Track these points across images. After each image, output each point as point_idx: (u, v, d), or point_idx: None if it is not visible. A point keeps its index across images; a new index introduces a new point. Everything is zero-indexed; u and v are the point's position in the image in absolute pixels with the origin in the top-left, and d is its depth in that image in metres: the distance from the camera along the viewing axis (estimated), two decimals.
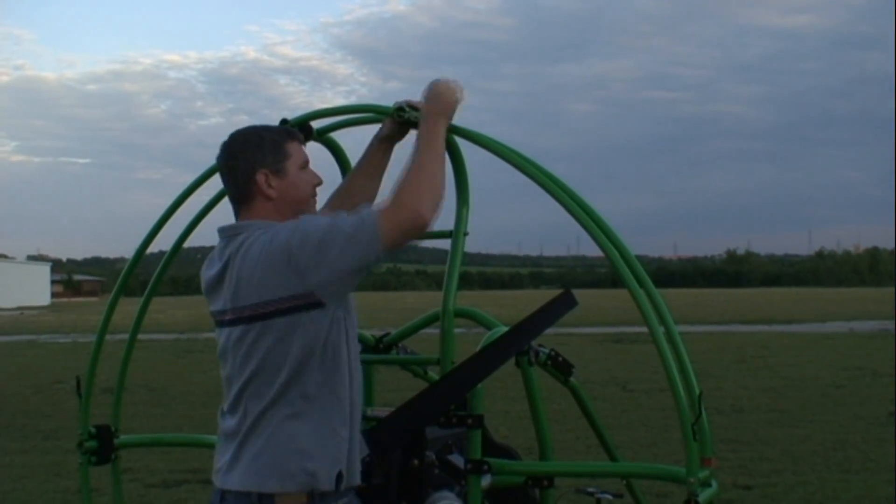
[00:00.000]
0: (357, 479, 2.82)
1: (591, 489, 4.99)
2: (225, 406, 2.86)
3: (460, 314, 3.46)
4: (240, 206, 2.91)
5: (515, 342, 3.12)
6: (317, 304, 2.66)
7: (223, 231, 2.88)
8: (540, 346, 3.72)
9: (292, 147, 2.92)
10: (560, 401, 4.32)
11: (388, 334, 3.90)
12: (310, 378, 2.70)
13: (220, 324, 2.85)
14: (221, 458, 2.82)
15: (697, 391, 3.09)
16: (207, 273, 2.90)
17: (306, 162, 2.95)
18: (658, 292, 3.25)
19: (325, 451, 2.70)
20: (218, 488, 2.80)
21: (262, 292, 2.67)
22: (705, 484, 3.03)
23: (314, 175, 2.97)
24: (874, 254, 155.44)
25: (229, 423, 2.82)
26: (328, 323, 2.70)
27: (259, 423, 2.73)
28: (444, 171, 2.87)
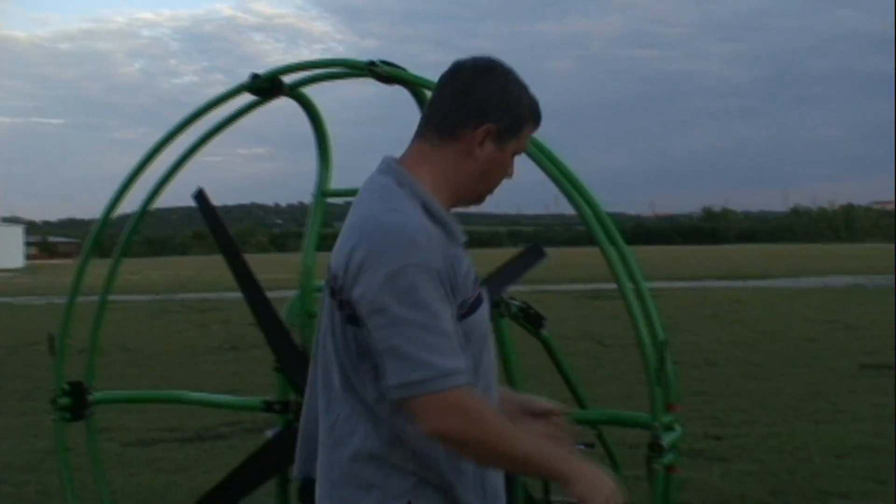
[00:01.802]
0: None
1: None
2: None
3: None
4: (424, 135, 2.33)
5: (486, 294, 3.14)
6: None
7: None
8: (511, 298, 3.76)
9: (527, 131, 2.38)
10: (535, 356, 4.36)
11: None
12: None
13: None
14: None
15: (661, 340, 3.15)
16: None
17: (518, 153, 2.41)
18: (629, 249, 3.30)
19: None
20: None
21: None
22: (669, 428, 3.09)
23: (510, 170, 2.41)
24: (849, 210, 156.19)
25: None
26: None
27: None
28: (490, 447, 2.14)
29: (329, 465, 2.27)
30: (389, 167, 2.29)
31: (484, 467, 2.24)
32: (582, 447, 4.93)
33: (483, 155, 2.28)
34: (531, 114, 2.36)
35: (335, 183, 3.78)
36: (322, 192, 3.57)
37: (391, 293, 2.06)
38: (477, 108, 2.26)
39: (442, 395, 2.06)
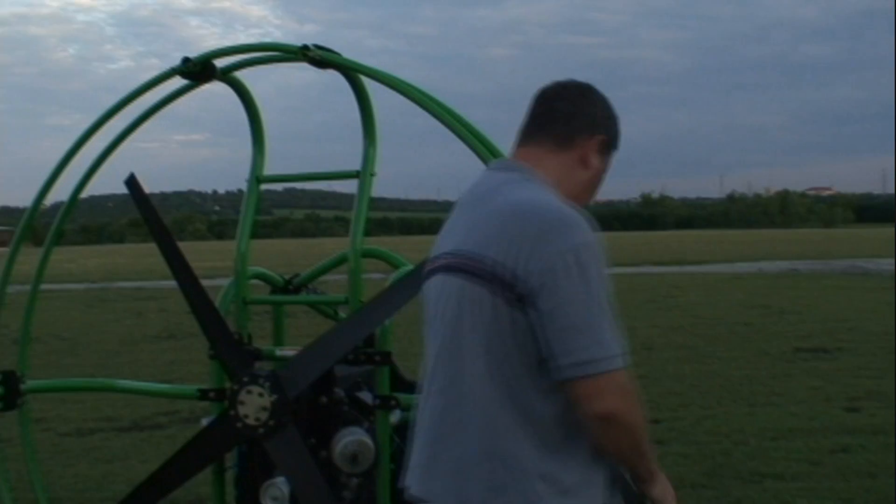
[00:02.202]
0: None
1: None
2: None
3: (368, 254, 3.48)
4: (538, 141, 2.38)
5: (421, 279, 3.14)
6: None
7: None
8: None
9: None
10: None
11: (297, 276, 3.90)
12: None
13: None
14: None
15: None
16: None
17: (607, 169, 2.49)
18: None
19: None
20: None
21: None
22: None
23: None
24: (784, 196, 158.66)
25: None
26: None
27: None
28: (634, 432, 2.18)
29: (450, 456, 2.19)
30: (512, 166, 2.35)
31: (615, 457, 2.23)
32: None
33: (594, 164, 2.38)
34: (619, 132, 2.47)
35: (272, 169, 3.76)
36: (257, 177, 3.54)
37: (571, 269, 2.06)
38: (591, 120, 2.37)
39: (614, 375, 2.06)
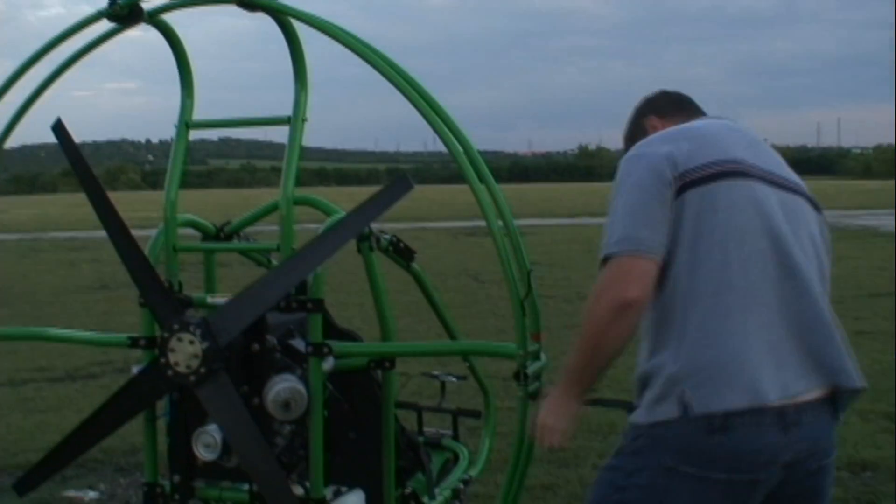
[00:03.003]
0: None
1: (435, 373, 5.13)
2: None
3: (300, 202, 3.46)
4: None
5: (353, 226, 3.14)
6: None
7: None
8: (382, 232, 3.76)
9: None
10: (413, 292, 4.39)
11: (228, 223, 3.86)
12: None
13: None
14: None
15: (528, 269, 3.22)
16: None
17: None
18: (498, 187, 3.34)
19: None
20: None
21: None
22: (535, 357, 3.16)
23: None
24: None
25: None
26: None
27: None
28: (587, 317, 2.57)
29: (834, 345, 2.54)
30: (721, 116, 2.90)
31: None
32: (453, 379, 5.03)
33: None
34: None
35: (202, 116, 3.69)
36: (186, 123, 3.48)
37: None
38: None
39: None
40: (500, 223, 3.30)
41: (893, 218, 27.14)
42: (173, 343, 3.05)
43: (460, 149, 3.32)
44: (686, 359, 2.41)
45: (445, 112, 3.37)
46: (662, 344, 2.49)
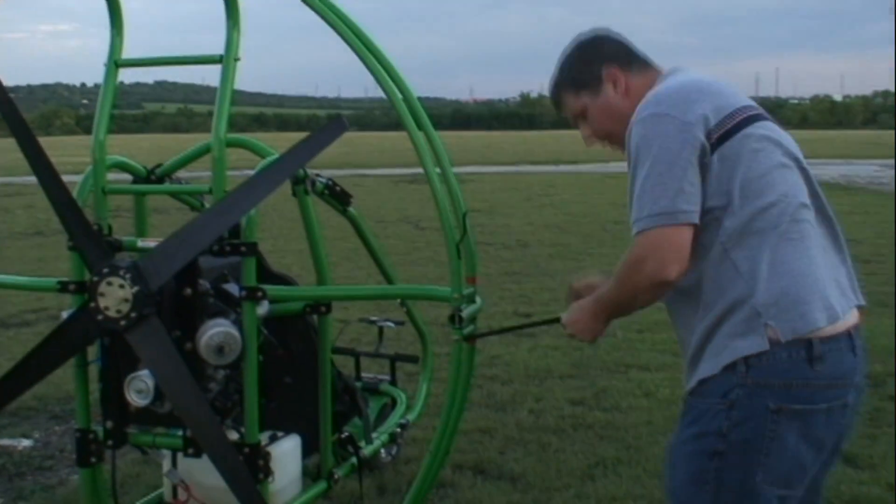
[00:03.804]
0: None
1: (373, 318, 5.13)
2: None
3: (232, 143, 3.39)
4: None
5: (287, 167, 3.09)
6: None
7: None
8: (318, 175, 3.72)
9: None
10: (354, 239, 4.35)
11: (159, 165, 3.78)
12: None
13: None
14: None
15: (463, 212, 3.20)
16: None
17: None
18: (436, 134, 3.32)
19: None
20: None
21: None
22: (469, 300, 3.15)
23: None
24: None
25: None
26: None
27: None
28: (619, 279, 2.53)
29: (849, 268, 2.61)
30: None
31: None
32: (391, 325, 5.03)
33: None
34: None
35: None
36: (115, 61, 3.39)
37: None
38: None
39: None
40: (438, 170, 3.28)
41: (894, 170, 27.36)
42: (103, 287, 2.98)
43: (399, 95, 3.29)
44: (764, 293, 2.41)
45: (386, 58, 3.32)
46: (727, 289, 2.45)
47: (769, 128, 2.54)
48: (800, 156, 2.58)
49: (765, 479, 2.41)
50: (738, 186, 2.43)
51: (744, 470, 2.42)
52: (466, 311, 3.11)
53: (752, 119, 2.50)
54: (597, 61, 2.71)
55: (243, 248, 3.18)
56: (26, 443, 5.58)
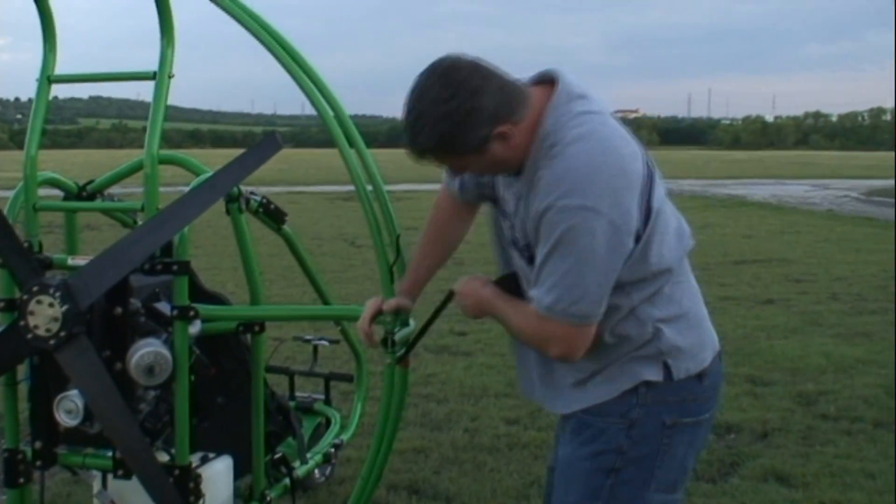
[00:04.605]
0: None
1: (308, 336, 5.11)
2: None
3: (166, 160, 3.36)
4: None
5: (220, 186, 3.07)
6: None
7: None
8: (252, 193, 3.70)
9: None
10: (289, 256, 4.32)
11: (91, 181, 3.73)
12: None
13: None
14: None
15: (396, 234, 3.21)
16: None
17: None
18: (369, 152, 3.33)
19: None
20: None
21: None
22: (403, 323, 3.15)
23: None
24: None
25: None
26: None
27: None
28: (518, 319, 2.55)
29: None
30: None
31: None
32: (326, 343, 5.00)
33: None
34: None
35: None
36: (48, 77, 3.35)
37: None
38: None
39: None
40: (370, 188, 3.28)
41: None
42: (32, 306, 2.94)
43: (330, 112, 3.29)
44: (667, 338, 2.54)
45: (317, 74, 3.32)
46: (625, 336, 2.54)
47: (658, 178, 2.52)
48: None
49: (656, 488, 2.57)
50: (651, 265, 2.48)
51: (638, 484, 2.57)
52: (399, 335, 3.10)
53: (651, 181, 2.46)
54: (481, 125, 2.34)
55: (175, 267, 3.14)
56: None
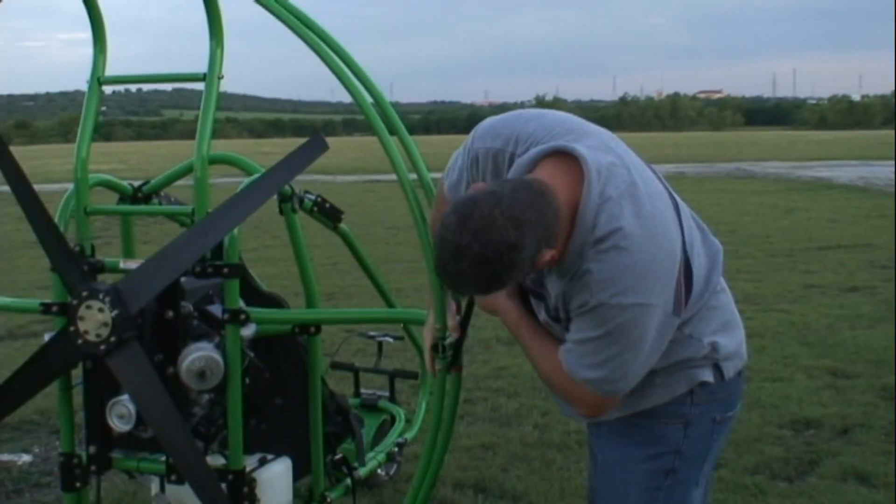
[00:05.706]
0: None
1: (372, 333, 5.07)
2: None
3: (216, 160, 3.33)
4: None
5: (269, 187, 3.02)
6: None
7: None
8: (306, 192, 3.64)
9: None
10: (344, 249, 4.27)
11: (146, 183, 3.71)
12: None
13: None
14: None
15: None
16: None
17: None
18: (412, 140, 3.24)
19: None
20: None
21: None
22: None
23: None
24: (675, 99, 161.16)
25: None
26: None
27: None
28: (542, 363, 2.59)
29: None
30: None
31: None
32: (390, 339, 4.96)
33: None
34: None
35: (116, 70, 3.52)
36: (98, 78, 3.33)
37: None
38: None
39: None
40: (414, 176, 3.21)
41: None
42: (82, 311, 2.92)
43: (368, 99, 3.19)
44: (724, 345, 2.59)
45: (355, 62, 3.24)
46: (688, 348, 2.56)
47: (682, 205, 2.59)
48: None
49: (698, 484, 2.66)
50: (695, 298, 2.49)
51: (690, 483, 2.63)
52: (449, 340, 3.01)
53: (680, 217, 2.49)
54: (525, 266, 2.25)
55: (225, 270, 3.10)
56: (26, 458, 5.54)
